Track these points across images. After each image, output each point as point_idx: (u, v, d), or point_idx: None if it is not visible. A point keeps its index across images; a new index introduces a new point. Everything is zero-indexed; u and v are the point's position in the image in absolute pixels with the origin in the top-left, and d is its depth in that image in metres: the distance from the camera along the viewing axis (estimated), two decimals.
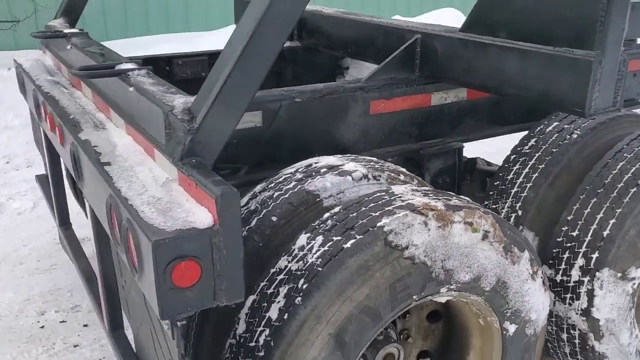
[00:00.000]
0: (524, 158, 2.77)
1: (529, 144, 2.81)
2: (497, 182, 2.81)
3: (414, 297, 1.82)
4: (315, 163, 2.22)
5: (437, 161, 2.82)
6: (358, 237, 1.74)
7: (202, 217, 1.44)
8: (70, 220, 3.22)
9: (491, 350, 2.16)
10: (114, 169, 1.76)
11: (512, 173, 2.78)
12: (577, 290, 2.45)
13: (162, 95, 1.75)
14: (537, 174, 2.70)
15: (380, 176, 2.17)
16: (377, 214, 1.81)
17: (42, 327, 3.40)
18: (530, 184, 2.70)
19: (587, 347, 2.51)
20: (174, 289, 1.41)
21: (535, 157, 2.74)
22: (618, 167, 2.50)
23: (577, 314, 2.47)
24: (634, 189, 2.40)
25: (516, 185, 2.73)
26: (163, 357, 1.70)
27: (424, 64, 2.68)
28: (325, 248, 1.75)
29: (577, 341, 2.52)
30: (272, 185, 2.13)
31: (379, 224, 1.76)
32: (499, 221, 1.96)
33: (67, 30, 2.96)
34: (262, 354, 1.69)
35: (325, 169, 2.15)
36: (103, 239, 2.19)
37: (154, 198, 1.55)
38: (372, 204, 1.87)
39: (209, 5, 10.88)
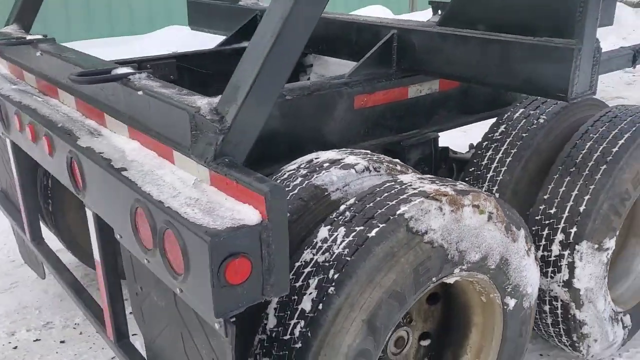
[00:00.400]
0: (496, 144, 2.93)
1: (499, 130, 2.97)
2: (472, 169, 2.95)
3: (433, 279, 1.91)
4: (316, 158, 2.26)
5: (416, 151, 2.93)
6: (381, 225, 1.81)
7: (248, 214, 1.46)
8: (42, 234, 3.11)
9: (493, 325, 2.29)
10: (133, 174, 1.74)
11: (486, 159, 2.93)
12: (559, 264, 2.62)
13: (180, 97, 1.75)
14: (510, 158, 2.86)
15: (380, 167, 2.25)
16: (393, 202, 1.88)
17: (15, 347, 3.26)
18: (505, 167, 2.85)
19: (569, 316, 2.69)
20: (226, 286, 1.43)
21: (507, 142, 2.90)
22: (586, 146, 2.70)
23: (559, 285, 2.65)
24: (604, 166, 2.60)
25: (491, 170, 2.88)
26: (201, 359, 1.70)
27: (401, 58, 2.78)
28: (350, 238, 1.81)
29: (559, 311, 2.70)
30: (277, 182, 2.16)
31: (398, 212, 1.83)
32: (499, 203, 2.08)
33: (30, 37, 2.84)
34: (299, 345, 1.72)
35: (328, 164, 2.21)
36: (108, 248, 2.15)
37: (191, 199, 1.55)
38: (386, 194, 1.94)
39: (134, 9, 10.64)
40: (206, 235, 1.39)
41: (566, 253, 2.60)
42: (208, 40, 9.86)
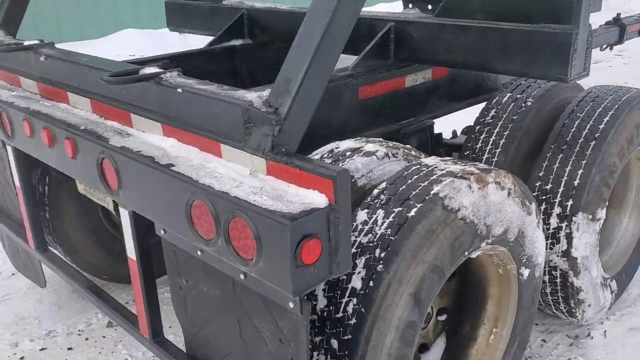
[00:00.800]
0: (488, 127, 3.10)
1: (490, 114, 3.14)
2: (467, 152, 3.11)
3: (465, 253, 2.05)
4: (336, 148, 2.36)
5: (414, 139, 3.06)
6: (418, 205, 1.92)
7: (315, 198, 1.55)
8: (47, 242, 3.08)
9: (508, 296, 2.44)
10: (184, 169, 1.79)
11: (480, 142, 3.10)
12: (557, 235, 2.81)
13: (227, 93, 1.81)
14: (504, 140, 3.03)
15: (397, 153, 2.37)
16: (425, 183, 2.00)
17: (22, 357, 3.22)
18: (500, 149, 3.02)
19: (568, 284, 2.88)
20: (302, 266, 1.51)
21: (499, 126, 3.07)
22: (575, 125, 2.90)
23: (558, 256, 2.83)
24: (593, 142, 2.80)
25: (486, 152, 3.05)
26: (264, 343, 1.77)
27: (399, 49, 2.90)
28: (390, 219, 1.92)
29: (558, 280, 2.89)
30: None
31: (433, 192, 1.95)
32: (515, 179, 2.23)
33: (27, 42, 2.81)
34: (353, 321, 1.82)
35: (349, 152, 2.31)
36: (144, 245, 2.19)
37: (255, 188, 1.62)
38: (416, 176, 2.06)
39: (83, 14, 10.42)
40: (284, 219, 1.47)
41: (564, 225, 2.79)
42: (164, 43, 9.73)
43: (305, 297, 1.59)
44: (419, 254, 1.88)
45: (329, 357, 1.85)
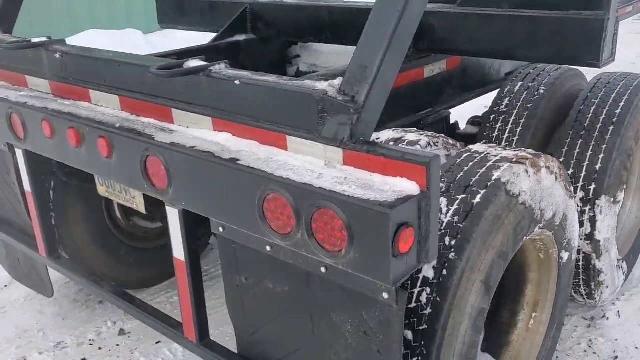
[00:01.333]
0: (504, 116, 3.13)
1: (504, 103, 3.18)
2: (484, 141, 3.13)
3: (524, 238, 2.05)
4: (377, 139, 2.33)
5: (433, 129, 3.06)
6: (482, 191, 1.92)
7: (406, 186, 1.52)
8: (59, 249, 2.94)
9: (548, 279, 2.47)
10: (252, 163, 1.73)
11: (496, 130, 3.13)
12: (581, 219, 2.86)
13: (294, 83, 1.76)
14: (520, 128, 3.07)
15: (437, 142, 2.36)
16: (483, 169, 2.00)
17: None
18: (517, 137, 3.06)
19: (590, 266, 2.94)
20: (397, 255, 1.48)
21: (514, 114, 3.11)
22: (591, 111, 2.96)
23: (581, 239, 2.89)
24: (612, 127, 2.87)
25: (504, 141, 3.09)
26: (343, 337, 1.73)
27: (418, 40, 2.90)
28: (456, 207, 1.91)
29: (581, 263, 2.95)
30: None
31: (494, 177, 1.95)
32: (560, 164, 2.25)
33: (36, 40, 2.67)
34: (428, 311, 1.80)
35: (392, 142, 2.28)
36: (193, 246, 2.11)
37: (339, 178, 1.58)
38: (471, 163, 2.05)
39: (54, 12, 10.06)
40: (384, 208, 1.43)
41: (587, 208, 2.84)
42: (128, 43, 9.46)
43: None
44: (488, 240, 1.87)
45: (402, 348, 1.82)
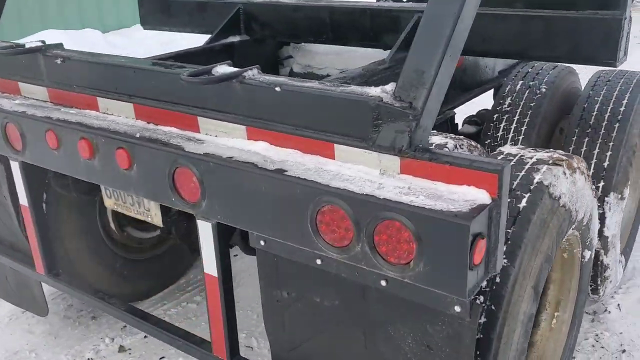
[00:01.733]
0: (507, 115, 3.13)
1: (507, 102, 3.18)
2: (488, 140, 3.13)
3: (562, 240, 2.04)
4: None
5: (438, 130, 3.03)
6: (526, 195, 1.89)
7: (476, 194, 1.47)
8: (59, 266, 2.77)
9: (570, 279, 2.48)
10: (302, 174, 1.65)
11: (501, 130, 3.13)
12: None
13: (343, 89, 1.68)
14: (525, 127, 3.08)
15: (462, 145, 2.32)
16: (523, 172, 1.97)
17: None
18: (522, 135, 3.07)
19: (598, 262, 2.98)
20: (472, 268, 1.43)
21: (518, 113, 3.12)
22: (595, 109, 2.99)
23: None
24: (617, 124, 2.90)
25: (509, 140, 3.09)
26: (401, 351, 1.67)
27: None
28: None
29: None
30: None
31: (536, 181, 1.93)
32: (586, 164, 2.25)
33: (30, 44, 2.50)
34: (483, 319, 1.76)
35: None
36: (226, 261, 2.01)
37: (401, 188, 1.52)
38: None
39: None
40: (461, 219, 1.38)
41: (597, 205, 2.86)
42: (87, 43, 9.13)
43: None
44: (537, 244, 1.85)
45: None
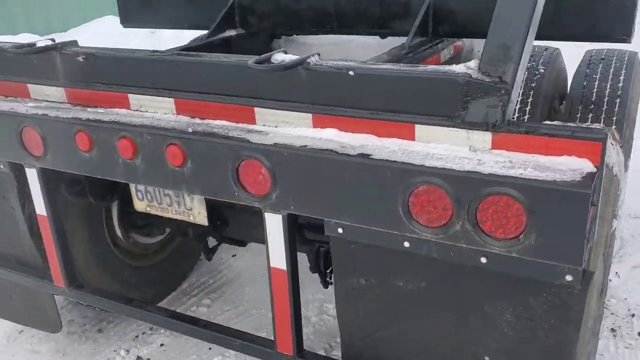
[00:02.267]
0: None
1: None
2: None
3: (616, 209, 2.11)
4: None
5: None
6: None
7: (580, 164, 1.50)
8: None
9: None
10: (389, 156, 1.63)
11: None
12: None
13: (421, 69, 1.67)
14: (529, 107, 3.16)
15: None
16: None
17: None
18: (528, 115, 3.15)
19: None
20: (586, 236, 1.46)
21: (521, 94, 3.20)
22: (595, 86, 3.11)
23: None
24: (618, 99, 3.03)
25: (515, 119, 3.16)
26: (496, 327, 1.68)
27: (438, 25, 2.89)
28: None
29: None
30: None
31: None
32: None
33: (42, 43, 2.34)
34: None
35: None
36: (294, 255, 1.96)
37: (503, 162, 1.53)
38: None
39: None
40: (580, 188, 1.40)
41: None
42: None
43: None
44: (604, 214, 1.90)
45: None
